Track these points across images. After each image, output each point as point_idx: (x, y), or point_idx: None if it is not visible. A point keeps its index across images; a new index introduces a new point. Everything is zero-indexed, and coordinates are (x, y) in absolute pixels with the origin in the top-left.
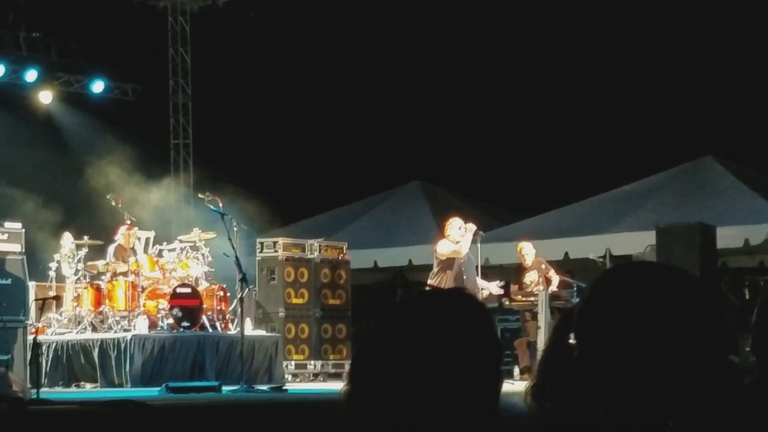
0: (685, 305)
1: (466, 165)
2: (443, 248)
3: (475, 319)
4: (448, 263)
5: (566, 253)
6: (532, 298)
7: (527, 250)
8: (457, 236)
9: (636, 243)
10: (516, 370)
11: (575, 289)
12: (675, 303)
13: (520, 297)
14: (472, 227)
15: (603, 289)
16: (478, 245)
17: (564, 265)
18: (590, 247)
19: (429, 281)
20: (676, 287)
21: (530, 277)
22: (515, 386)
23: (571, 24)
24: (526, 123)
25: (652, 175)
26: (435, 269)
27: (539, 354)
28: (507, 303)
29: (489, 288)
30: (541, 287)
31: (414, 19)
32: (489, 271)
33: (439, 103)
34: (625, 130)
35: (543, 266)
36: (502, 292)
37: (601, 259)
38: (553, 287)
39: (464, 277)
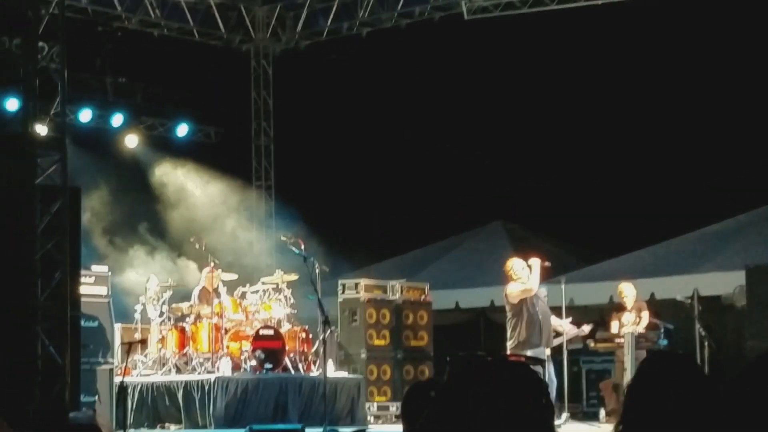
0: None
1: (548, 204)
2: (514, 289)
3: (527, 387)
4: (520, 306)
5: (652, 294)
6: (618, 340)
7: (627, 292)
8: (526, 276)
9: (725, 283)
10: (602, 413)
11: (662, 330)
12: None
13: (606, 338)
14: (536, 260)
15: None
16: (563, 286)
17: (650, 306)
18: (677, 287)
19: (507, 329)
20: None
21: (627, 318)
22: (601, 429)
23: (657, 61)
24: (611, 162)
25: (740, 214)
26: (509, 314)
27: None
28: (592, 345)
29: (563, 325)
30: (634, 328)
31: (491, 58)
32: (573, 312)
33: (522, 142)
34: (713, 168)
35: (637, 308)
36: (575, 329)
37: (689, 300)
38: (641, 328)
39: (540, 317)
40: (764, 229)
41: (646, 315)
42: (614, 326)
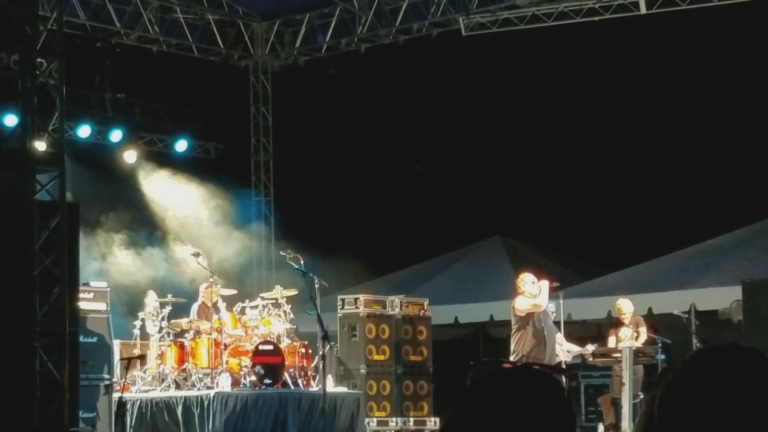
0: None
1: (546, 219)
2: (522, 304)
3: (550, 397)
4: (526, 320)
5: (650, 309)
6: (616, 355)
7: (626, 308)
8: (534, 290)
9: (721, 298)
10: (600, 428)
11: (660, 345)
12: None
13: (603, 353)
14: (546, 282)
15: (691, 376)
16: (561, 301)
17: (648, 321)
18: (674, 302)
19: (511, 343)
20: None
21: (625, 333)
22: None
23: (654, 76)
24: (608, 177)
25: (736, 230)
26: (514, 327)
27: (623, 411)
28: (590, 359)
29: (561, 344)
30: (632, 343)
31: (489, 73)
32: (571, 327)
33: (519, 157)
34: (709, 183)
35: (635, 323)
36: (578, 347)
37: (686, 315)
38: (638, 343)
39: (545, 333)
40: (760, 244)
41: (644, 331)
42: (611, 341)
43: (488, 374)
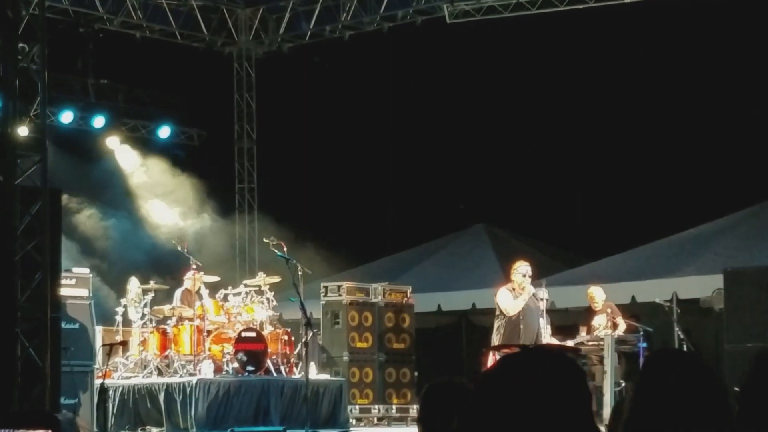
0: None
1: (530, 207)
2: (499, 300)
3: (567, 379)
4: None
5: (633, 297)
6: (598, 342)
7: (597, 295)
8: (519, 281)
9: (703, 287)
10: None
11: (641, 333)
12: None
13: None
14: (531, 289)
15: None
16: (544, 289)
17: (630, 309)
18: (657, 290)
19: (493, 330)
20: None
21: (598, 320)
22: None
23: (638, 65)
24: (591, 166)
25: (718, 218)
26: (497, 313)
27: (605, 399)
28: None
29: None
30: (608, 331)
31: (473, 61)
32: (553, 315)
33: (503, 145)
34: (691, 172)
35: (610, 310)
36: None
37: (668, 303)
38: (619, 332)
39: (521, 327)
40: (742, 232)
41: (621, 319)
42: (582, 330)
43: (502, 359)
